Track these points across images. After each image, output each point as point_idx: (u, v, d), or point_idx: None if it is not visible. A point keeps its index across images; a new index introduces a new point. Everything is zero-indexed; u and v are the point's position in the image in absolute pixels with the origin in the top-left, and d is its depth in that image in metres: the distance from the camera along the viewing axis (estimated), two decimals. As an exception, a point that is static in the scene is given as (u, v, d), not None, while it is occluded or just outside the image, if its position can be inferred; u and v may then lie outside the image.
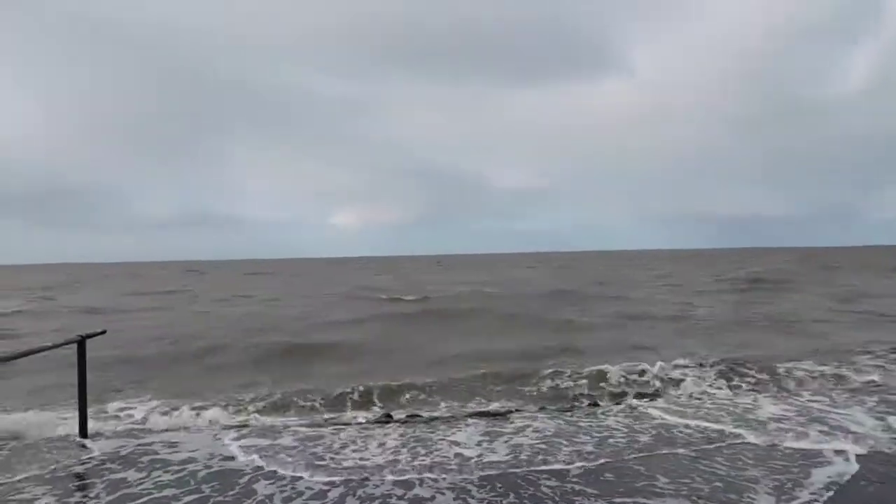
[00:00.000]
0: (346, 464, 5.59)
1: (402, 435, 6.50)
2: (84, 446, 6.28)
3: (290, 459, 5.75)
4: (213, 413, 7.88)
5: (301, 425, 7.20)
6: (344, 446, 6.14)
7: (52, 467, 5.62)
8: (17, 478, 5.38)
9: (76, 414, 6.62)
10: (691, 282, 33.16)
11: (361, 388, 8.90)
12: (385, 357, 12.10)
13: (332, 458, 5.74)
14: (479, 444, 6.10)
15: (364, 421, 7.43)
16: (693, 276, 38.50)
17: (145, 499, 4.78)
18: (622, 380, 9.22)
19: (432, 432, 6.56)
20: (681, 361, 10.28)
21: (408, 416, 7.49)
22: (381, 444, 6.17)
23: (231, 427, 7.18)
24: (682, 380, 9.13)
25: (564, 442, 6.12)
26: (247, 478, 5.25)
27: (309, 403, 8.37)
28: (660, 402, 8.04)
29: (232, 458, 5.79)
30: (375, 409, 8.25)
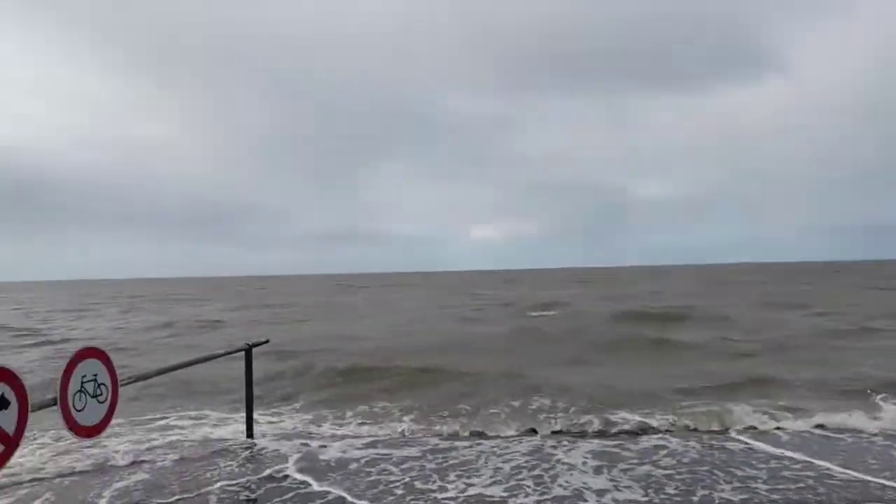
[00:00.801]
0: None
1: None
2: (251, 447, 6.80)
3: (342, 476, 5.84)
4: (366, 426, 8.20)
5: (442, 437, 7.27)
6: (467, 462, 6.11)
7: (228, 468, 6.16)
8: (212, 485, 5.95)
9: (235, 416, 7.24)
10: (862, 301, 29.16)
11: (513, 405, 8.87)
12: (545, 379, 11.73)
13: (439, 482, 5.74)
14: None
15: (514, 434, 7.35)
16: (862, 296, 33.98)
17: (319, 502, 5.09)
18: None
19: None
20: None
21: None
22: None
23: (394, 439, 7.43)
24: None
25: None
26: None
27: (447, 415, 8.46)
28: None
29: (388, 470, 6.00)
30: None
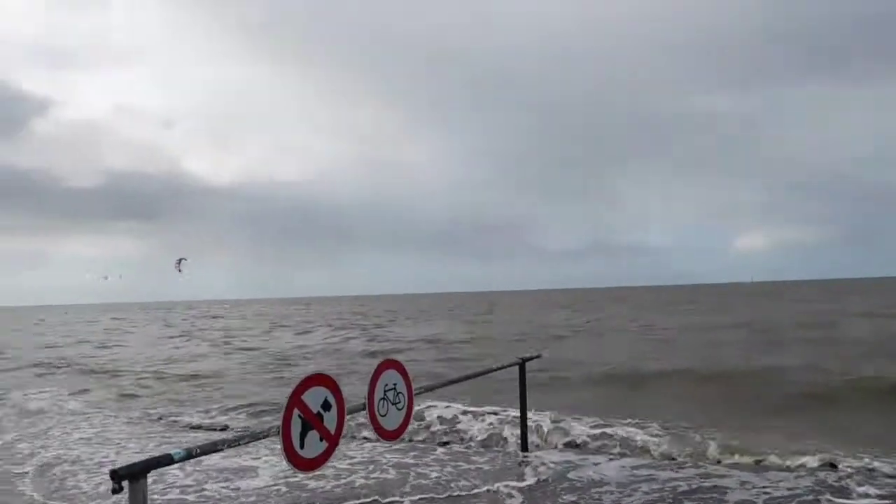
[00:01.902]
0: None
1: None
2: (527, 460, 6.94)
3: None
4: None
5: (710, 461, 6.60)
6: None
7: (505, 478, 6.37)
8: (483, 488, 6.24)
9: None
10: None
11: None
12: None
13: None
14: None
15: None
16: None
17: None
18: None
19: None
20: None
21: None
22: None
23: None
24: None
25: None
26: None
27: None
28: None
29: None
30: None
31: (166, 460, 3.12)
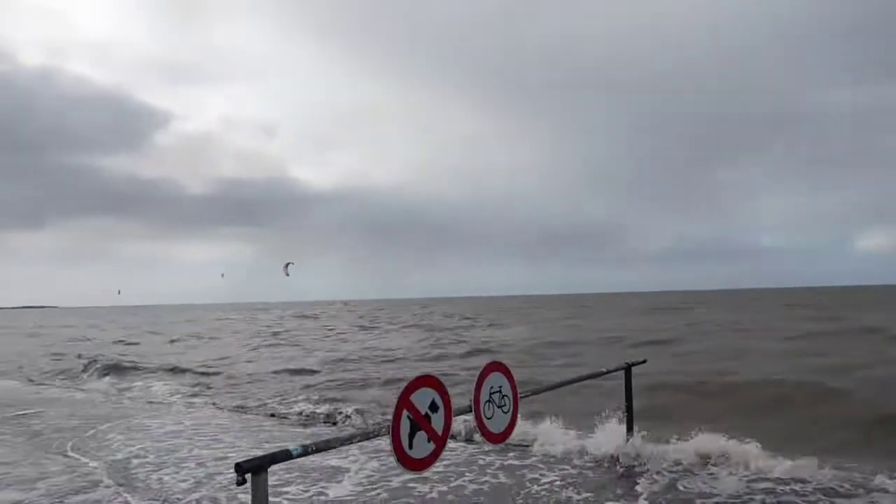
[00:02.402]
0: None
1: None
2: (632, 466, 6.72)
3: None
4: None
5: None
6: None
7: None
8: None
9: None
10: None
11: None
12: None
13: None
14: None
15: None
16: None
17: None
18: None
19: None
20: None
21: None
22: None
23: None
24: None
25: None
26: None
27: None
28: None
29: None
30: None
31: (285, 455, 3.25)
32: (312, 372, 17.03)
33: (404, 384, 3.65)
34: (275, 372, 17.10)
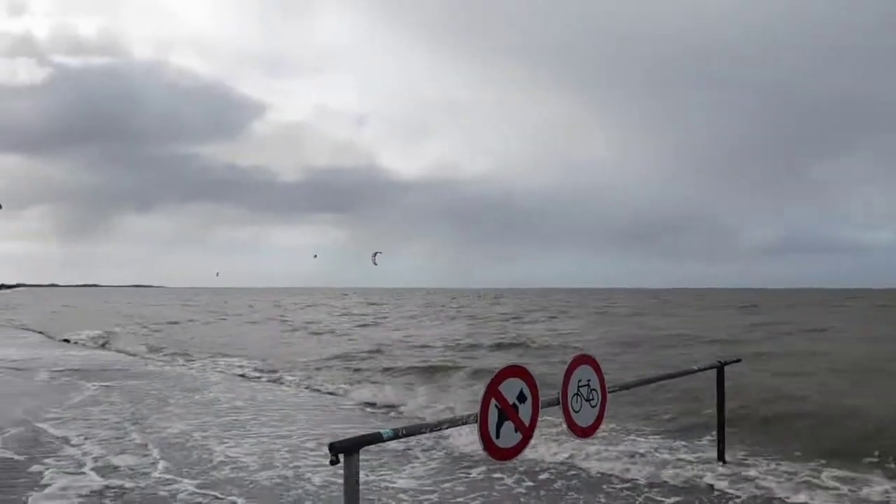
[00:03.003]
0: None
1: None
2: (723, 472, 6.45)
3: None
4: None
5: None
6: None
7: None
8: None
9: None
10: None
11: None
12: None
13: None
14: None
15: None
16: None
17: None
18: None
19: None
20: None
21: None
22: None
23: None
24: None
25: None
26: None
27: None
28: None
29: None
30: None
31: (376, 438, 3.33)
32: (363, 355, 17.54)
33: (493, 374, 3.67)
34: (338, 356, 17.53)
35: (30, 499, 5.72)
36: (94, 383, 12.73)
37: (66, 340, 23.61)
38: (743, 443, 7.59)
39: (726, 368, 6.56)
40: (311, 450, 7.52)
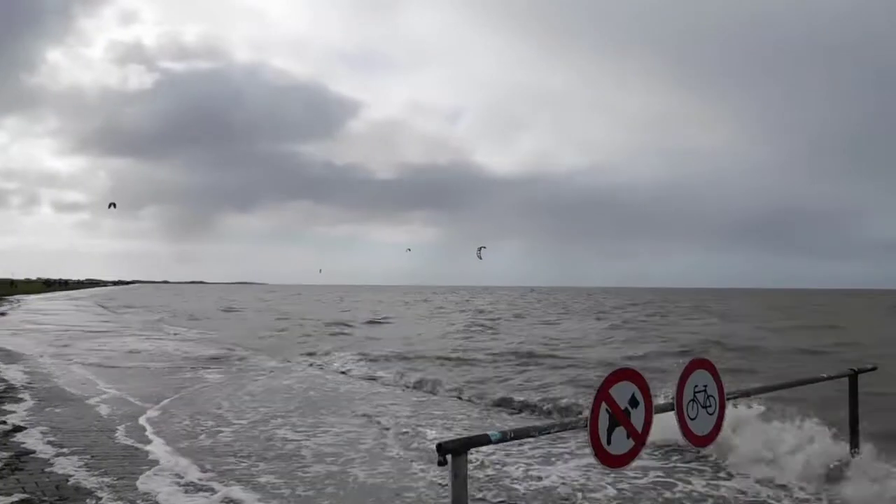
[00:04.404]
0: None
1: None
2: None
3: None
4: None
5: None
6: None
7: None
8: None
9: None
10: None
11: None
12: None
13: None
14: None
15: None
16: None
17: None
18: None
19: None
20: None
21: None
22: None
23: None
24: None
25: None
26: None
27: None
28: None
29: None
30: None
31: (484, 440, 3.30)
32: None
33: (603, 377, 3.54)
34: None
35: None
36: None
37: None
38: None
39: (860, 377, 6.01)
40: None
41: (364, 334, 26.27)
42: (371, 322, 34.19)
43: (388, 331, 28.70)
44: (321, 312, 43.59)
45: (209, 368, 15.43)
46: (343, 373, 15.31)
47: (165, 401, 10.81)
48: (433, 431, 8.78)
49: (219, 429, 8.78)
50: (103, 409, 9.92)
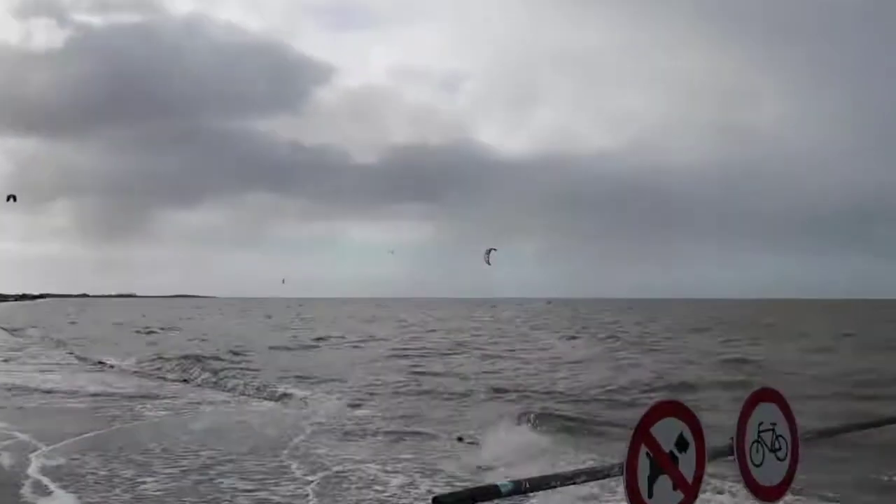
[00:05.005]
0: None
1: None
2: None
3: None
4: None
5: None
6: None
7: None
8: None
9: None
10: None
11: None
12: None
13: None
14: None
15: None
16: None
17: None
18: None
19: None
20: None
21: None
22: None
23: None
24: None
25: None
26: None
27: None
28: None
29: None
30: None
31: (493, 492, 2.63)
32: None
33: (643, 412, 2.82)
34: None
35: None
36: None
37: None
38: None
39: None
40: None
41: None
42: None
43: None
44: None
45: None
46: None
47: None
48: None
49: None
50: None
